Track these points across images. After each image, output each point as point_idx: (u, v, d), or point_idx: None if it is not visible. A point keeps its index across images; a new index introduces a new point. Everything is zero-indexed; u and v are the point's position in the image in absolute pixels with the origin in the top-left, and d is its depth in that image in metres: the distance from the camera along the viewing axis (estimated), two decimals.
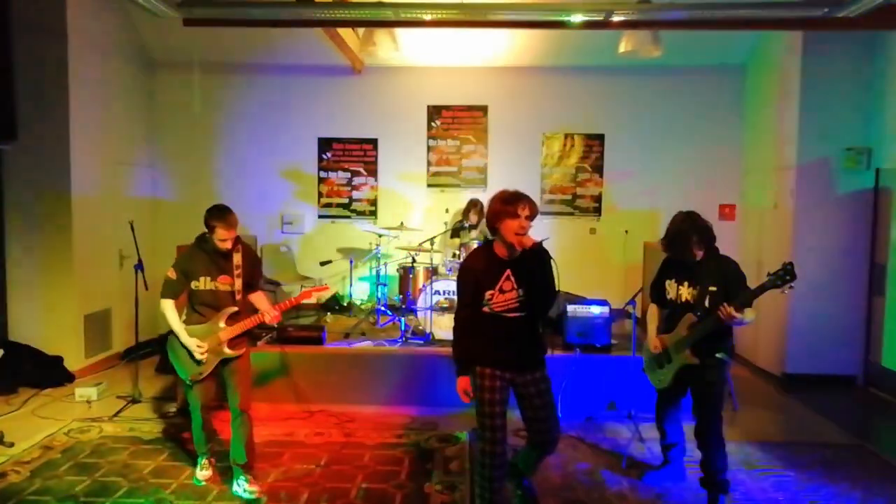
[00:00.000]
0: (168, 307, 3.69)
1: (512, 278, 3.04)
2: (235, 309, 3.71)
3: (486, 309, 3.07)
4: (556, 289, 3.06)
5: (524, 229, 2.97)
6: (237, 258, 3.72)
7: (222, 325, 3.68)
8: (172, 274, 3.71)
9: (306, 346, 5.34)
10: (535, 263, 3.01)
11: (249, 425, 3.76)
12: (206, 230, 3.66)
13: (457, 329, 3.22)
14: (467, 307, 3.13)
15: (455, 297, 5.42)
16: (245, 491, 3.66)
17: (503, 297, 3.04)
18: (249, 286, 3.84)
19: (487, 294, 3.04)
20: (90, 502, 3.59)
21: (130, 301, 5.41)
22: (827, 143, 6.01)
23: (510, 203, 2.96)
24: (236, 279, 3.71)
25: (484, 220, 6.49)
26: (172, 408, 5.03)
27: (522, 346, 3.11)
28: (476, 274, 3.08)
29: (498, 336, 3.08)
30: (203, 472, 3.89)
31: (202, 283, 3.68)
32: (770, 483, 3.93)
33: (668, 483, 3.90)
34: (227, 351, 3.69)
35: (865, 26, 4.83)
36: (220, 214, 3.60)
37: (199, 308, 3.73)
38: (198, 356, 3.64)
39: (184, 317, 3.77)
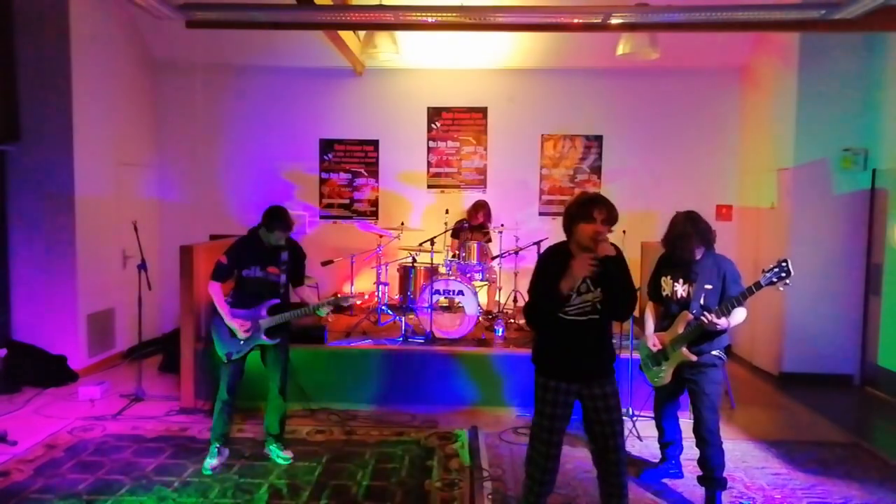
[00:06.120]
0: (215, 289, 4.02)
1: (588, 280, 2.89)
2: (277, 301, 4.04)
3: (559, 314, 2.93)
4: (636, 288, 2.94)
5: (600, 234, 2.80)
6: (285, 254, 4.05)
7: (263, 313, 4.01)
8: (224, 259, 4.01)
9: (308, 344, 5.37)
10: (611, 264, 2.84)
11: (284, 407, 4.21)
12: (264, 227, 3.96)
13: (527, 310, 3.06)
14: (543, 295, 2.92)
15: (455, 297, 5.53)
16: (279, 457, 4.12)
17: (579, 298, 2.91)
18: (295, 281, 4.20)
19: None
20: (93, 500, 3.62)
21: (133, 301, 5.45)
22: (824, 144, 6.06)
23: (585, 206, 2.82)
24: (283, 273, 4.05)
25: (490, 221, 6.68)
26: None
27: (593, 352, 2.99)
28: (556, 269, 2.86)
29: (568, 343, 2.96)
30: (212, 461, 4.00)
31: (252, 272, 4.00)
32: (767, 481, 3.96)
33: (666, 480, 3.94)
34: (264, 338, 4.00)
35: (862, 28, 4.86)
36: (281, 222, 3.93)
37: (244, 294, 4.04)
38: (240, 335, 3.96)
39: (229, 299, 4.07)
